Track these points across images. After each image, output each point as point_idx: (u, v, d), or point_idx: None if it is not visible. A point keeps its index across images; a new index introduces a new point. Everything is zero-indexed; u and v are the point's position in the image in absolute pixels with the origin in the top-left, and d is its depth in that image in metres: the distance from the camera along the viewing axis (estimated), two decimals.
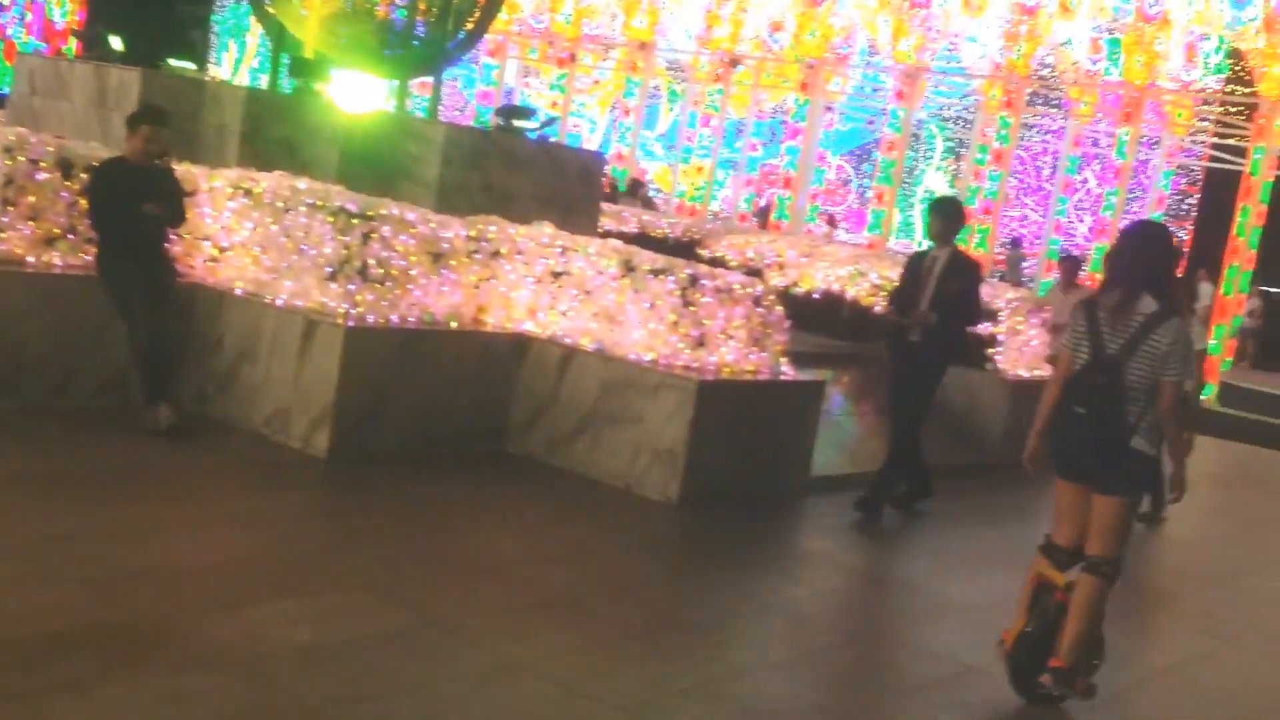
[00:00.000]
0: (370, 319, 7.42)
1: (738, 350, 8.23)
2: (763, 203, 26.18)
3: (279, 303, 7.55)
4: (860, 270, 12.45)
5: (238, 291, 7.74)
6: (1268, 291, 25.72)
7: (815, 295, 12.44)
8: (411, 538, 6.30)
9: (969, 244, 19.83)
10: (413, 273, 7.68)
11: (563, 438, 8.10)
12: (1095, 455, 5.16)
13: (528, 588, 5.81)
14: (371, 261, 7.50)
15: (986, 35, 18.93)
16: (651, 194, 21.89)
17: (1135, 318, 5.06)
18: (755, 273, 12.20)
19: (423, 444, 7.70)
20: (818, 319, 12.03)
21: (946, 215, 8.28)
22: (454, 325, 7.94)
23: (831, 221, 23.63)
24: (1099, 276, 17.60)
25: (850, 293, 12.25)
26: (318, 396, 7.31)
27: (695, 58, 22.24)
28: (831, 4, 19.40)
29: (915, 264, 8.38)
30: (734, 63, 21.28)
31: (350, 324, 7.29)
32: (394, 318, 7.56)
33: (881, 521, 8.24)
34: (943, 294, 8.06)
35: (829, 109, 22.02)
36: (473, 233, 8.24)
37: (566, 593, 5.85)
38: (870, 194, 23.48)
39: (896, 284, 8.75)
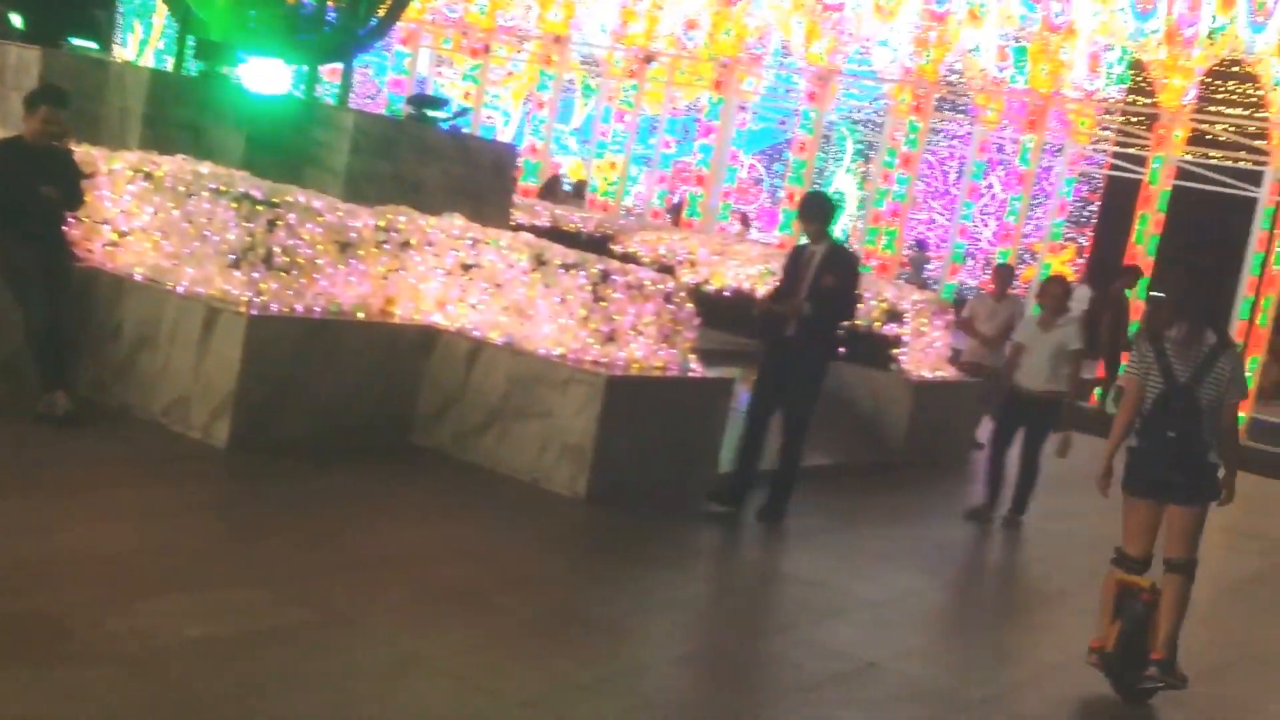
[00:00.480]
0: (274, 308, 7.30)
1: (647, 346, 8.25)
2: (675, 199, 26.27)
3: (180, 290, 7.38)
4: (770, 269, 12.51)
5: (137, 277, 7.56)
6: (1159, 297, 26.44)
7: (726, 293, 12.49)
8: (312, 531, 6.21)
9: (877, 245, 20.11)
10: (319, 262, 7.57)
11: (470, 431, 8.05)
12: (1181, 472, 5.90)
13: (430, 582, 5.76)
14: (276, 249, 7.37)
15: (897, 40, 19.19)
16: (565, 188, 21.81)
17: (1202, 349, 5.85)
18: (667, 269, 12.21)
19: (327, 435, 7.60)
20: (728, 317, 12.08)
21: (813, 216, 8.07)
22: (361, 316, 7.84)
23: (745, 221, 23.78)
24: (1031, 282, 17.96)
25: (760, 291, 12.32)
26: (219, 386, 7.17)
27: (610, 53, 22.23)
28: (746, 4, 19.51)
29: (795, 258, 8.20)
30: (649, 59, 21.31)
31: (253, 312, 7.16)
32: (299, 307, 7.44)
33: (785, 522, 8.20)
34: (819, 288, 7.89)
35: (742, 108, 22.14)
36: (382, 222, 8.15)
37: (469, 587, 5.81)
38: (782, 194, 23.67)
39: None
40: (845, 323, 8.77)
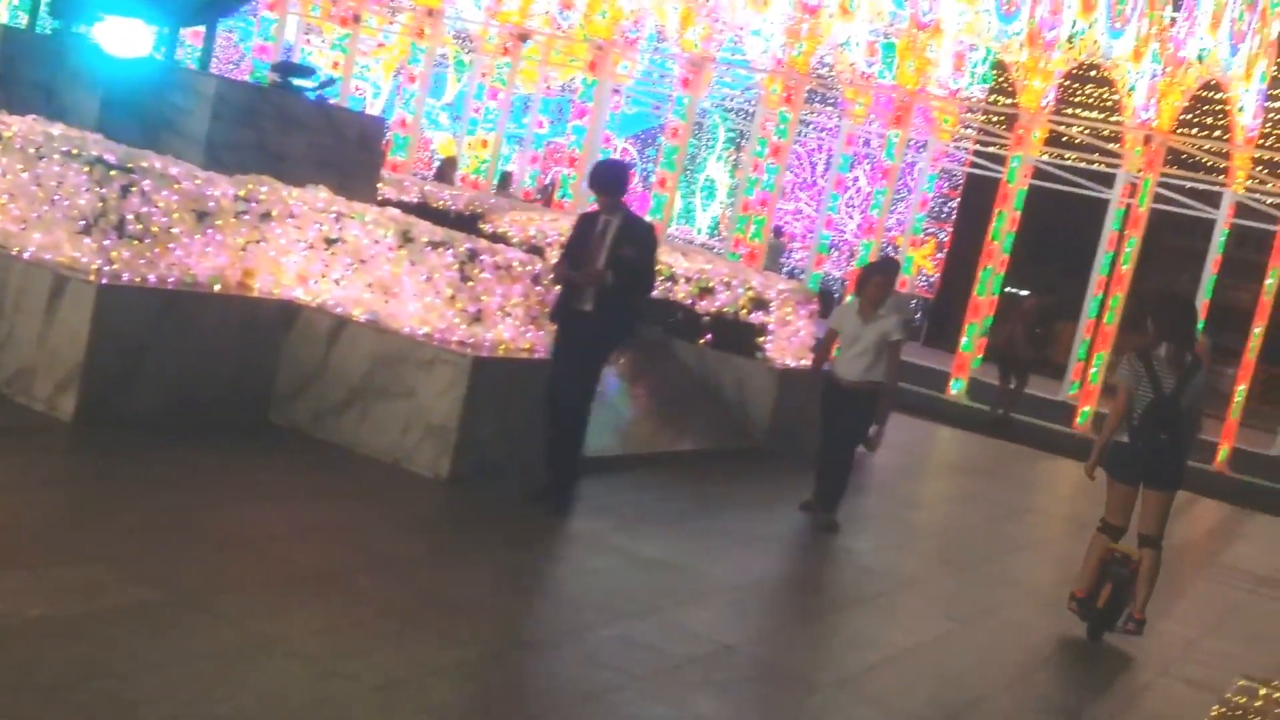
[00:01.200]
0: (126, 277, 7.05)
1: (514, 328, 8.19)
2: (548, 180, 26.15)
3: (26, 255, 7.08)
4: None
5: None
6: (1015, 293, 27.31)
7: None
8: (161, 508, 6.02)
9: (746, 233, 20.31)
10: (174, 231, 7.33)
11: (330, 410, 7.89)
12: (1168, 464, 7.36)
13: (284, 563, 5.64)
14: (130, 216, 7.11)
15: (770, 31, 19.37)
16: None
17: (1181, 366, 7.24)
18: (536, 251, 12.14)
19: (179, 411, 7.37)
20: None
21: (603, 186, 7.53)
22: (217, 288, 7.62)
23: None
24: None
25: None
26: (65, 357, 6.90)
27: (484, 29, 21.99)
28: None
29: (585, 227, 7.62)
30: (523, 37, 21.12)
31: (103, 282, 6.90)
32: (152, 277, 7.19)
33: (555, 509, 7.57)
34: (617, 261, 7.40)
35: (616, 91, 22.15)
36: (242, 192, 7.92)
37: (324, 569, 5.70)
38: (653, 179, 23.74)
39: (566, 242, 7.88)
40: (645, 296, 8.04)
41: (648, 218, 21.42)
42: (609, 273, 7.38)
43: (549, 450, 7.67)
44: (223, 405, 7.68)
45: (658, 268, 12.09)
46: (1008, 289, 23.53)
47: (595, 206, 7.66)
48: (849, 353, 8.80)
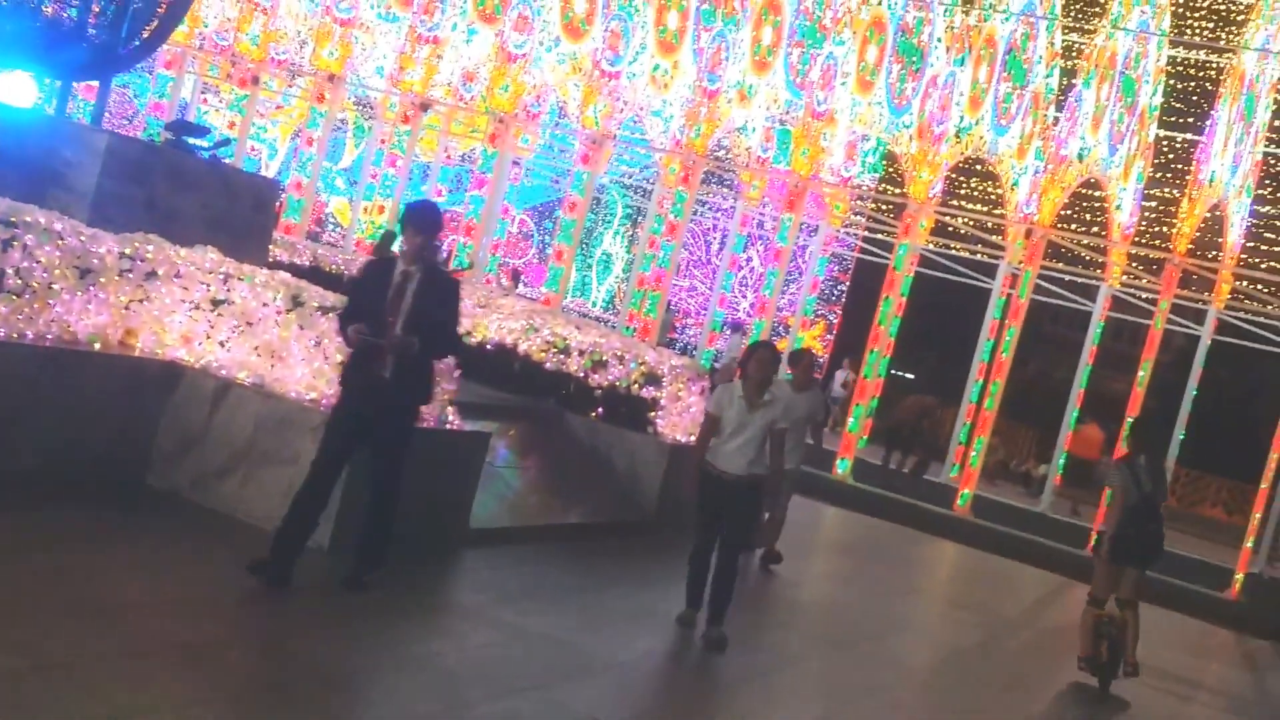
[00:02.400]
0: (3, 334, 6.83)
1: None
2: (444, 249, 26.08)
3: None
4: (534, 325, 12.57)
5: None
6: (902, 376, 27.91)
7: (488, 346, 12.45)
8: (30, 572, 5.80)
9: (640, 308, 20.47)
10: (56, 287, 7.14)
11: (211, 474, 7.70)
12: (1157, 548, 9.42)
13: (154, 632, 5.46)
14: (10, 272, 6.92)
15: (670, 112, 19.73)
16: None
17: (1155, 470, 9.47)
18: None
19: (54, 472, 7.13)
20: (489, 370, 12.04)
21: (426, 227, 6.77)
22: (97, 347, 7.42)
23: (515, 276, 23.81)
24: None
25: (522, 347, 12.34)
26: None
27: (385, 96, 21.99)
28: (525, 63, 19.69)
29: (378, 277, 6.77)
30: (424, 107, 21.16)
31: None
32: (30, 334, 6.98)
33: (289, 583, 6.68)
34: (422, 320, 6.63)
35: (516, 164, 22.28)
36: (128, 250, 7.76)
37: (196, 639, 5.53)
38: (550, 251, 23.85)
39: (346, 297, 7.10)
40: (446, 358, 7.42)
41: (543, 289, 21.58)
42: (414, 341, 6.61)
43: (293, 521, 6.66)
44: (100, 467, 7.45)
45: (551, 339, 12.15)
46: (894, 372, 24.06)
47: (395, 251, 7.03)
48: (731, 443, 7.84)
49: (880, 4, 18.67)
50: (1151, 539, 9.33)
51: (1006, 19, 18.99)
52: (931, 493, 18.97)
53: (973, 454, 19.32)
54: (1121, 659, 9.30)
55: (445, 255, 23.52)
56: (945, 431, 21.51)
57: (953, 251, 23.62)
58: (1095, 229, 23.97)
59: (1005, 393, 19.84)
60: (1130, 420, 10.95)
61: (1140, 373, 18.91)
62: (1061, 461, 21.07)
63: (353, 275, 7.07)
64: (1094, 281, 20.88)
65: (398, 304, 6.60)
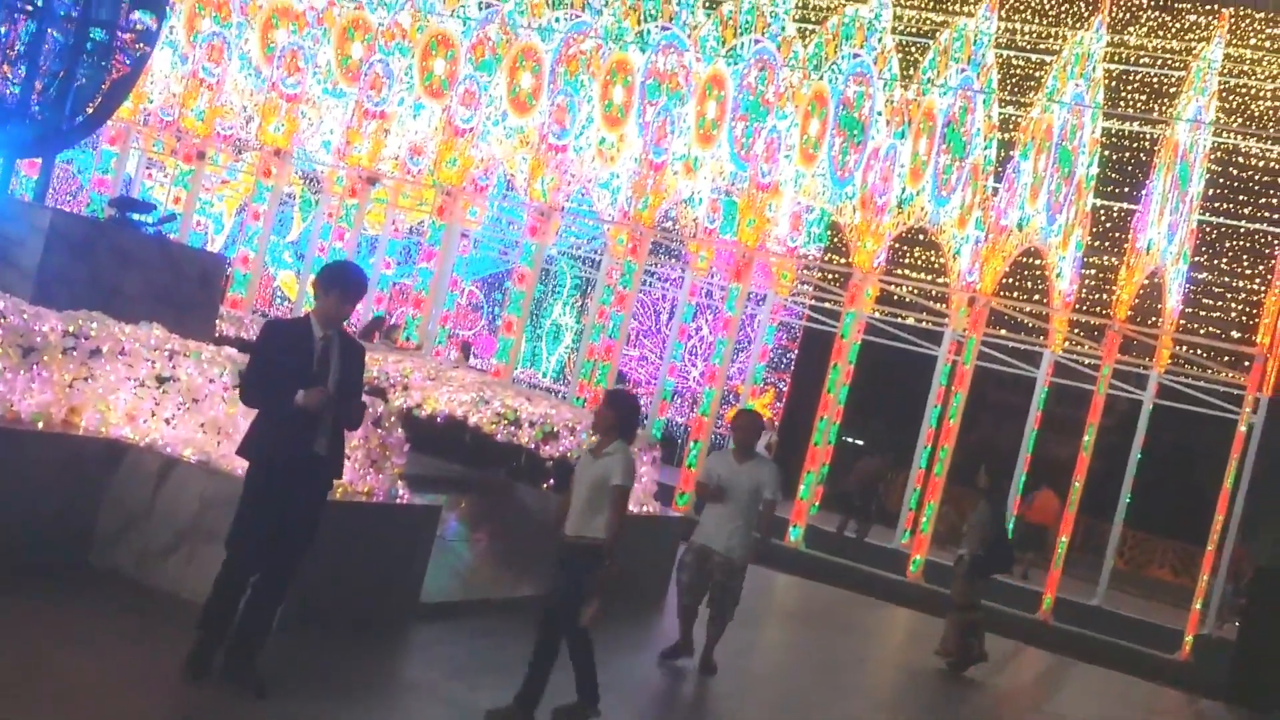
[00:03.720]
0: None
1: (353, 471, 8.04)
2: (392, 321, 26.02)
3: None
4: (484, 397, 12.55)
5: None
6: (852, 442, 28.04)
7: (438, 419, 12.39)
8: None
9: (591, 379, 20.49)
10: None
11: (155, 552, 7.58)
12: (1006, 567, 12.92)
13: (95, 713, 5.33)
14: None
15: (617, 184, 19.92)
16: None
17: (1001, 506, 12.42)
18: (379, 392, 12.03)
19: None
20: (439, 443, 11.98)
21: (357, 292, 6.39)
22: (40, 426, 7.32)
23: (466, 349, 23.78)
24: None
25: (473, 419, 12.30)
26: None
27: (333, 171, 22.05)
28: (473, 136, 19.84)
29: (295, 341, 6.19)
30: (372, 180, 21.21)
31: None
32: None
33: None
34: (349, 388, 6.28)
35: (464, 236, 22.33)
36: (71, 328, 7.69)
37: None
38: (500, 322, 23.86)
39: (252, 364, 6.34)
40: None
41: (493, 361, 21.56)
42: (364, 406, 6.36)
43: (219, 613, 6.24)
44: (41, 547, 7.31)
45: (502, 410, 12.12)
46: (845, 438, 24.19)
47: (304, 312, 6.42)
48: (575, 503, 7.13)
49: (822, 79, 19.03)
50: (1004, 558, 12.43)
51: (944, 93, 19.42)
52: (884, 558, 19.01)
53: (924, 519, 19.40)
54: (978, 651, 12.02)
55: (395, 326, 23.48)
56: (896, 496, 21.61)
57: (899, 319, 23.90)
58: (1037, 296, 24.37)
59: (954, 458, 19.98)
60: (984, 467, 13.14)
61: (1085, 437, 19.13)
62: (1010, 526, 21.19)
63: (261, 337, 6.48)
64: (1037, 348, 21.19)
65: (325, 371, 6.16)
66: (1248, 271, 27.95)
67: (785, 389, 29.95)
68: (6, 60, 10.48)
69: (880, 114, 19.38)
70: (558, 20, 20.23)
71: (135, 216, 10.46)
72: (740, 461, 9.43)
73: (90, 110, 10.96)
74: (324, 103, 21.42)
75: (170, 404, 7.86)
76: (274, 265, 28.60)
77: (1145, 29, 29.43)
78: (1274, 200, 28.33)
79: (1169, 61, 28.59)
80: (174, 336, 8.27)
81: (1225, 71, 24.65)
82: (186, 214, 21.70)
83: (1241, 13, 28.01)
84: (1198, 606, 18.13)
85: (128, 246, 9.90)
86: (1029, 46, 29.16)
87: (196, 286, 10.44)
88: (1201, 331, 25.68)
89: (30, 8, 10.51)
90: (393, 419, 8.51)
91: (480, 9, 21.28)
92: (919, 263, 26.65)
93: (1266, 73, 28.59)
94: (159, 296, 9.74)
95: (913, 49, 23.95)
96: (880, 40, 19.57)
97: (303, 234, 29.18)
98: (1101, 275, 24.93)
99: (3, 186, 10.88)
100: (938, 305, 22.63)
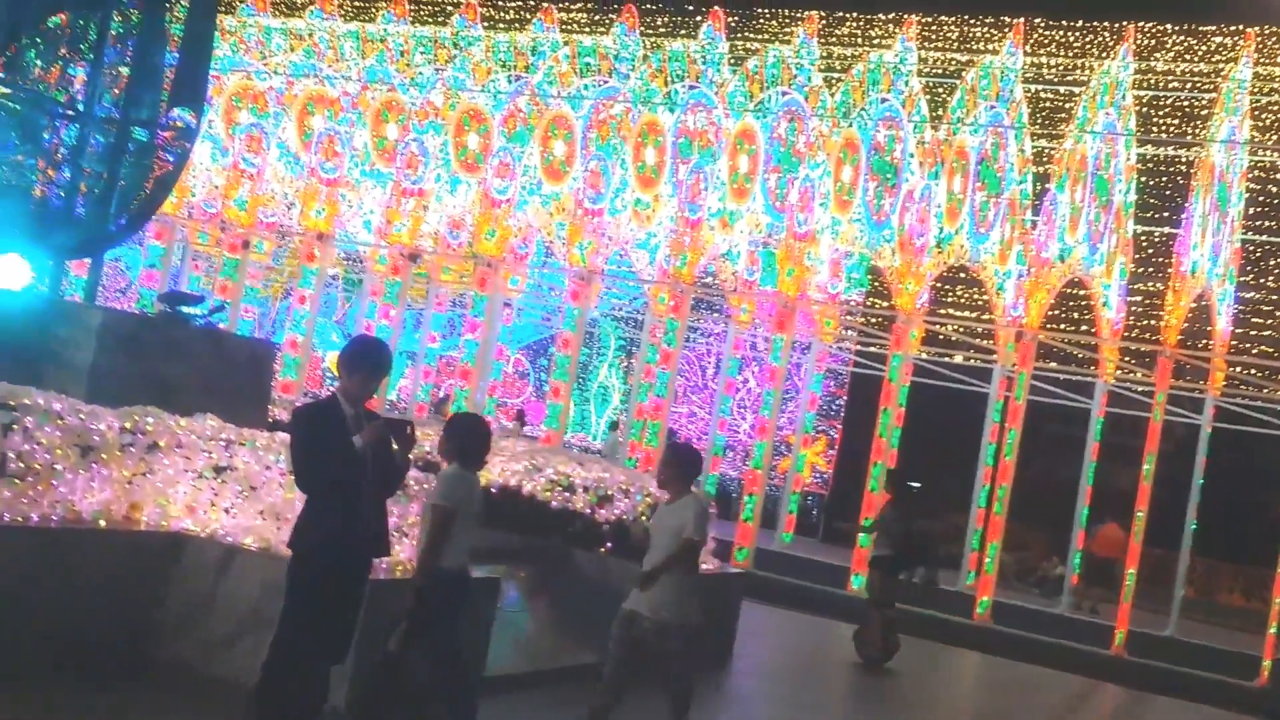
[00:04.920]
0: (6, 518, 6.83)
1: (412, 547, 8.06)
2: (441, 394, 26.18)
3: None
4: (536, 465, 12.57)
5: None
6: (912, 485, 27.77)
7: (492, 489, 12.41)
8: None
9: (641, 438, 20.47)
10: (57, 467, 7.17)
11: (219, 642, 7.62)
12: (915, 566, 13.70)
13: None
14: (11, 455, 6.95)
15: (655, 243, 20.05)
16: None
17: (909, 509, 13.31)
18: (432, 465, 12.08)
19: (61, 653, 7.05)
20: (495, 513, 11.97)
21: (375, 368, 6.26)
22: (102, 524, 7.42)
23: (520, 417, 23.85)
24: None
25: (527, 487, 12.31)
26: None
27: (374, 250, 22.35)
28: (509, 207, 20.05)
29: (335, 422, 6.07)
30: (413, 257, 21.48)
31: None
32: (34, 516, 6.98)
33: None
34: (389, 464, 6.20)
35: (507, 305, 22.51)
36: (128, 424, 7.81)
37: None
38: (547, 388, 23.95)
39: (315, 446, 6.09)
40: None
41: (543, 427, 21.60)
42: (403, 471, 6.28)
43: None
44: (105, 641, 7.38)
45: (555, 477, 12.12)
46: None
47: (328, 392, 6.46)
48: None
49: (851, 125, 19.09)
50: (914, 558, 13.67)
51: (975, 131, 19.42)
52: (949, 602, 18.76)
53: (987, 560, 19.13)
54: (895, 644, 13.04)
55: (445, 399, 23.62)
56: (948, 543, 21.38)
57: (946, 359, 23.75)
58: (1084, 327, 24.13)
59: (1012, 495, 19.73)
60: (888, 469, 14.20)
61: (1145, 466, 18.85)
62: (1076, 560, 20.89)
63: (297, 425, 6.32)
64: (1089, 378, 20.96)
65: (362, 449, 6.03)
66: None
67: (837, 436, 29.78)
68: (51, 164, 10.76)
69: (912, 156, 19.40)
70: (586, 87, 20.47)
71: (184, 309, 10.64)
72: (669, 503, 7.87)
73: (135, 209, 11.21)
74: (362, 184, 21.77)
75: (229, 493, 7.94)
76: (322, 347, 28.92)
77: (1172, 54, 29.33)
78: None
79: (1198, 84, 28.43)
80: (228, 426, 8.37)
81: (1256, 90, 24.47)
82: (234, 303, 22.04)
83: (1268, 31, 27.85)
84: (1273, 630, 17.72)
85: (178, 339, 10.07)
86: (1056, 79, 29.13)
87: (248, 374, 10.58)
88: (1254, 350, 25.30)
89: (72, 112, 10.81)
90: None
91: (510, 82, 21.59)
92: (963, 301, 26.51)
93: None
94: (211, 386, 9.88)
95: (940, 89, 23.98)
96: (907, 83, 19.64)
97: (348, 314, 29.54)
98: (1148, 301, 24.65)
99: (53, 289, 11.13)
100: (985, 342, 22.46)
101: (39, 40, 10.68)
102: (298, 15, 26.98)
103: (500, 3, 30.36)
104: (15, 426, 7.01)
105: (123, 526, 7.60)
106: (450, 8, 26.70)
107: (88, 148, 10.83)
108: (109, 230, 11.08)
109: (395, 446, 6.17)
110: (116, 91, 10.96)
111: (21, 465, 6.99)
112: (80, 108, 10.81)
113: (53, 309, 9.85)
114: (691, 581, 7.64)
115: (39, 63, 10.69)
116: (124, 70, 11.01)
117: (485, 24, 25.00)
